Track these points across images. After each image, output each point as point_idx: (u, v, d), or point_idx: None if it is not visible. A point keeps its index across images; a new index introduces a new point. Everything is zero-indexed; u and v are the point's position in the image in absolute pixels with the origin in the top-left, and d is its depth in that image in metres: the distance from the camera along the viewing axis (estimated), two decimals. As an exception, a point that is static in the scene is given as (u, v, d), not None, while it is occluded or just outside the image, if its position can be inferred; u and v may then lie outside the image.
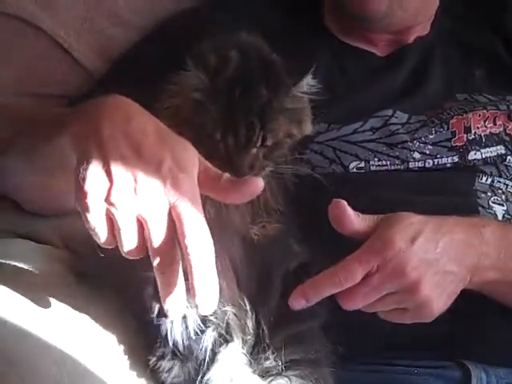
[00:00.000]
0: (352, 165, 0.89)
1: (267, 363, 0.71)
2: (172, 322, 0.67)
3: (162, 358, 0.68)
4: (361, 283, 0.70)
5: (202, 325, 0.68)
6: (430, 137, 0.90)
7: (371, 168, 0.89)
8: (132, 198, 0.58)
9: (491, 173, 0.89)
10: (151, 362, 0.68)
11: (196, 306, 0.59)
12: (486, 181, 0.88)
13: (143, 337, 0.70)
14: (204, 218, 0.59)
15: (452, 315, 0.78)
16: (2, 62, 0.95)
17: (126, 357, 0.72)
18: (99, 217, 0.58)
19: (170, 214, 0.58)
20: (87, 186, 0.58)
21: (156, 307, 0.66)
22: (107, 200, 0.58)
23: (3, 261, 0.76)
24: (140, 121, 0.62)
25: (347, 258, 0.70)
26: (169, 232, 0.58)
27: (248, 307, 0.72)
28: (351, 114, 0.92)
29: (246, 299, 0.72)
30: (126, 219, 0.58)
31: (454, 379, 0.79)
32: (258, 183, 0.61)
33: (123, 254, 0.60)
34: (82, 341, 0.70)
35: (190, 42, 0.80)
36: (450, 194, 0.86)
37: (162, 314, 0.64)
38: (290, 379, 0.71)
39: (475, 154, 0.89)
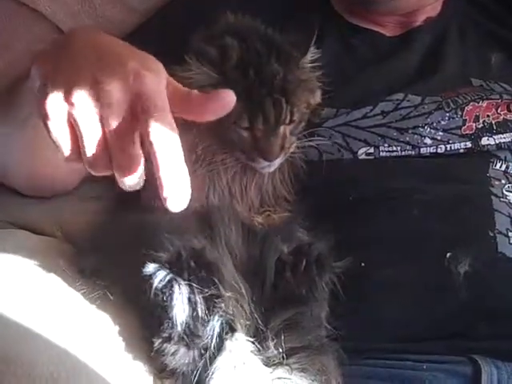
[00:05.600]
0: (361, 151, 0.87)
1: (268, 352, 0.70)
2: (179, 304, 0.65)
3: (168, 340, 0.66)
4: None
5: (209, 309, 0.67)
6: (442, 123, 0.87)
7: (381, 154, 0.87)
8: (92, 96, 0.55)
9: (505, 158, 0.87)
10: (156, 345, 0.67)
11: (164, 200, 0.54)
12: (501, 167, 0.86)
13: (147, 322, 0.69)
14: (170, 115, 0.55)
15: (464, 309, 0.77)
16: (2, 46, 0.93)
17: (128, 347, 0.71)
18: (60, 122, 0.55)
19: (132, 110, 0.55)
20: (46, 91, 0.55)
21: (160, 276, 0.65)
22: (67, 100, 0.55)
23: (3, 253, 0.74)
24: (108, 38, 0.61)
25: None
26: (131, 128, 0.55)
27: (244, 292, 0.70)
28: (361, 98, 0.90)
29: (241, 284, 0.71)
30: (88, 118, 0.55)
31: (464, 375, 0.76)
32: (230, 94, 0.57)
33: (88, 168, 0.56)
34: (83, 337, 0.69)
35: (192, 26, 0.79)
36: (463, 182, 0.84)
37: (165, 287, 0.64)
38: (290, 368, 0.70)
39: (488, 139, 0.87)
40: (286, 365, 0.70)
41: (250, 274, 0.72)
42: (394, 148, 0.87)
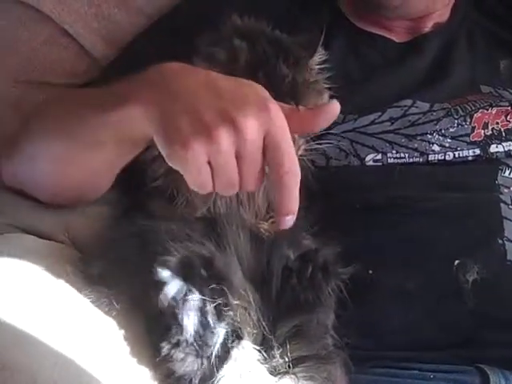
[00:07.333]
0: (369, 157, 0.86)
1: (274, 361, 0.69)
2: (191, 312, 0.65)
3: (176, 345, 0.65)
4: None
5: (218, 317, 0.66)
6: (451, 130, 0.87)
7: (388, 160, 0.86)
8: (229, 135, 0.57)
9: None
10: (164, 350, 0.65)
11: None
12: (510, 174, 0.85)
13: (154, 327, 0.68)
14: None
15: (472, 317, 0.77)
16: (7, 49, 0.93)
17: (133, 353, 0.69)
18: (202, 164, 0.58)
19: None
20: (185, 135, 0.57)
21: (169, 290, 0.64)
22: (208, 143, 0.57)
23: (9, 258, 0.73)
24: (204, 72, 0.62)
25: None
26: (261, 157, 0.60)
27: (251, 299, 0.70)
28: (369, 104, 0.89)
29: (249, 292, 0.70)
30: (228, 157, 0.58)
31: (472, 385, 0.76)
32: (337, 105, 0.61)
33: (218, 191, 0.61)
34: (88, 343, 0.67)
35: (199, 30, 0.78)
36: (471, 189, 0.83)
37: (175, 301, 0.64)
38: (297, 377, 0.69)
39: (497, 146, 0.86)
40: (293, 374, 0.69)
41: (257, 281, 0.71)
42: (402, 155, 0.86)
